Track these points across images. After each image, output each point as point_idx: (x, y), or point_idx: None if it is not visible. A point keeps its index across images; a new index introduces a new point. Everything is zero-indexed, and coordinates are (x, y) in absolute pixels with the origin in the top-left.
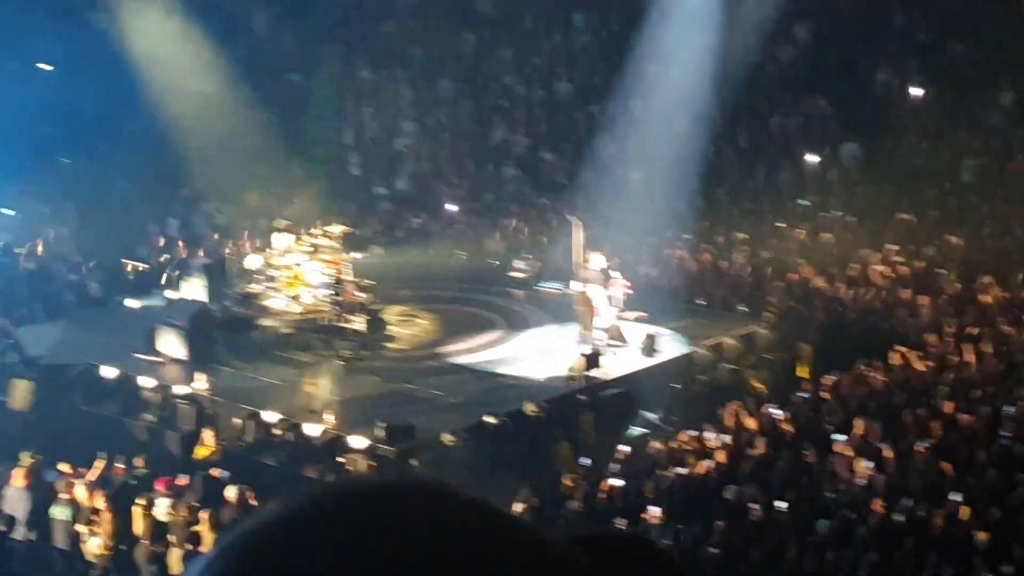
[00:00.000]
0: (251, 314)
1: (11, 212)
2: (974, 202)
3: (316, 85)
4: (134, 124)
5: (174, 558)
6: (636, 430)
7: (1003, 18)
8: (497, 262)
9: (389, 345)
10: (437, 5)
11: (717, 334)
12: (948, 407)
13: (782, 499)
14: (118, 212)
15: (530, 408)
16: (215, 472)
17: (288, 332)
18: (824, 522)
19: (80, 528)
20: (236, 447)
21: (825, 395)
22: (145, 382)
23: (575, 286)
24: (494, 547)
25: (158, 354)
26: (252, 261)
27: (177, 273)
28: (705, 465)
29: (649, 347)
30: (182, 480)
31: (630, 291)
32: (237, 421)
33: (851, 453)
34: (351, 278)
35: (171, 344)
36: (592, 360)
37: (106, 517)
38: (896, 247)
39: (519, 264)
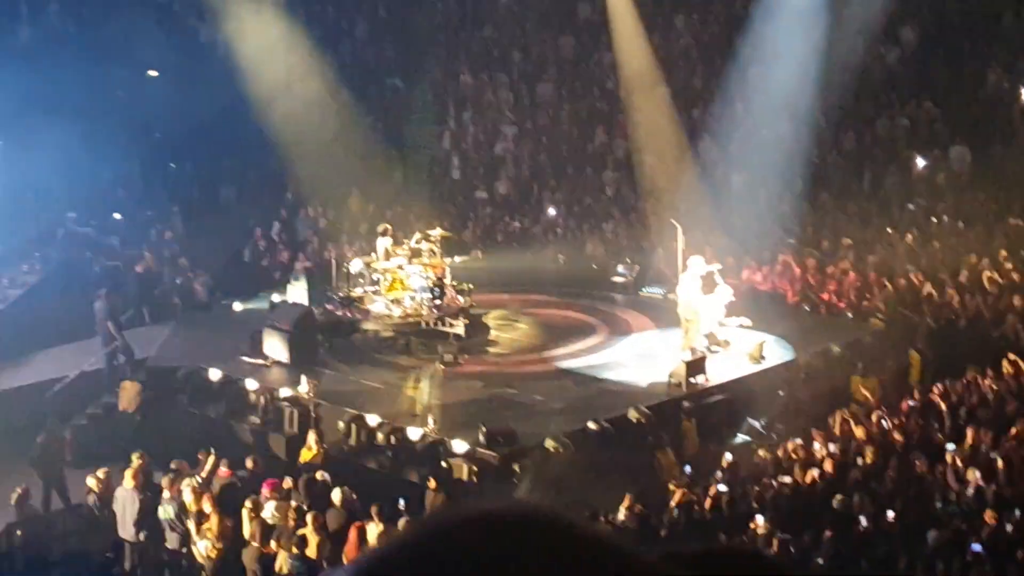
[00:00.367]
0: (353, 317)
1: (119, 216)
2: None
3: (417, 89)
4: (239, 129)
5: (281, 561)
6: (740, 437)
7: None
8: (596, 266)
9: (490, 349)
10: (537, 9)
11: (823, 341)
12: None
13: (891, 509)
14: (223, 216)
15: (633, 414)
16: (320, 475)
17: (389, 336)
18: (934, 533)
19: (190, 528)
20: (339, 450)
21: (935, 403)
22: (250, 384)
23: (677, 291)
24: None
25: (264, 357)
26: (354, 265)
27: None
28: (812, 474)
29: (753, 353)
30: (287, 483)
31: (733, 296)
32: (340, 424)
33: (962, 462)
34: (452, 282)
35: (276, 347)
36: (695, 366)
37: (214, 519)
38: (1007, 252)
39: (620, 269)
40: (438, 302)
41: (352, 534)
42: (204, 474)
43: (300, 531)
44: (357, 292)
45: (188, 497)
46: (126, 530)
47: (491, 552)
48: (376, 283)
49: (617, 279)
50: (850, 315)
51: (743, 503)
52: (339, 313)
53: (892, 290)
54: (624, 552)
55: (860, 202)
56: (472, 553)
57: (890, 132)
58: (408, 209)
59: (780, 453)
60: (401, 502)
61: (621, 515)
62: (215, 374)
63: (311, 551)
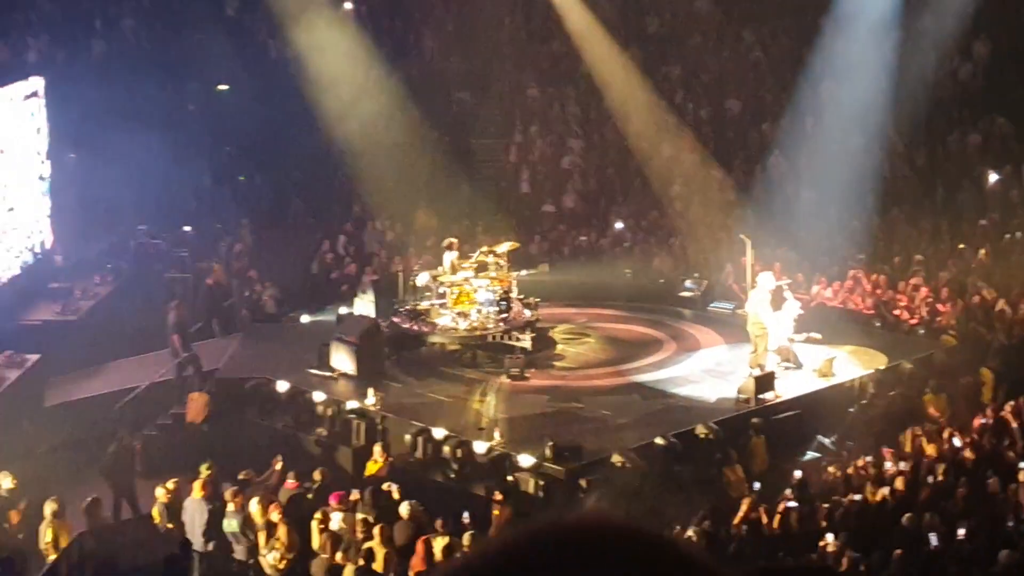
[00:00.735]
0: (420, 330)
1: (189, 229)
2: None
3: (485, 103)
4: (308, 142)
5: (348, 573)
6: (810, 454)
7: None
8: (664, 281)
9: (556, 363)
10: (604, 22)
11: (894, 357)
12: None
13: (962, 528)
14: (291, 229)
15: (701, 430)
16: (386, 487)
17: (456, 349)
18: (1005, 552)
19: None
20: (405, 463)
21: (1007, 421)
22: (318, 396)
23: (747, 307)
24: None
25: (331, 369)
26: (421, 278)
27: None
28: (882, 492)
29: (823, 369)
30: (355, 495)
31: (802, 311)
32: (407, 437)
33: None
34: (518, 295)
35: (343, 359)
36: (764, 382)
37: (282, 530)
38: None
39: (688, 283)
40: (505, 316)
41: (419, 547)
42: (272, 483)
43: (367, 544)
44: (424, 305)
45: (255, 508)
46: (195, 540)
47: (581, 563)
48: (443, 296)
49: (685, 294)
50: (921, 331)
51: (812, 520)
52: (406, 326)
53: (964, 306)
54: (709, 568)
55: (932, 217)
56: (561, 564)
57: (962, 147)
58: (475, 223)
59: (850, 470)
60: (466, 516)
61: (690, 531)
62: (283, 386)
63: (378, 564)
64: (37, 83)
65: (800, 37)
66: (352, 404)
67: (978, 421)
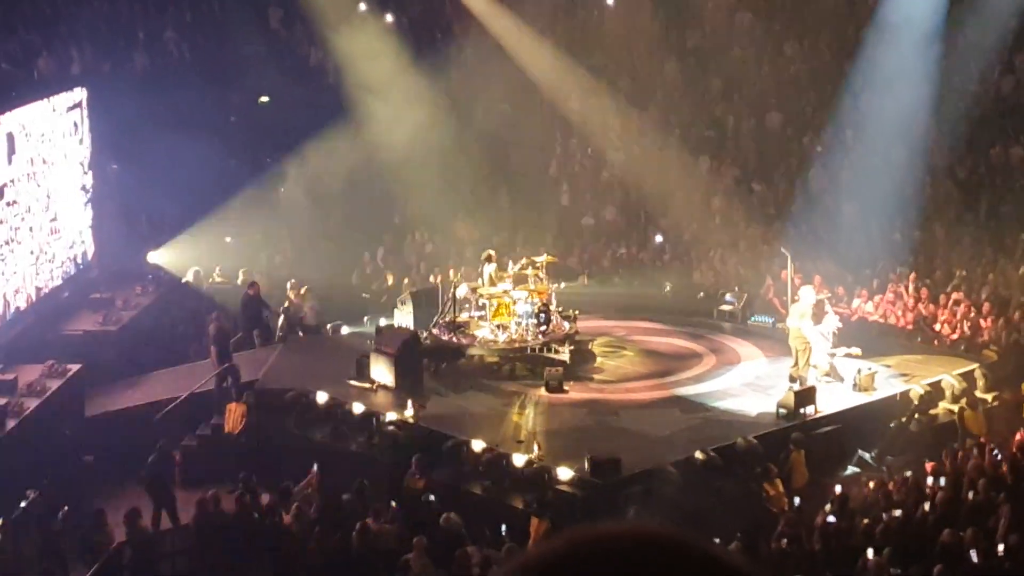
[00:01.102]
0: (458, 342)
1: (229, 239)
2: None
3: (525, 115)
4: (348, 154)
5: None
6: (850, 469)
7: None
8: (704, 294)
9: (595, 376)
10: (645, 35)
11: (935, 371)
12: None
13: (1003, 544)
14: (331, 240)
15: (741, 444)
16: (425, 499)
17: (494, 361)
18: None
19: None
20: (443, 475)
21: None
22: (357, 408)
23: (788, 321)
24: None
25: (370, 381)
26: (460, 290)
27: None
28: (923, 507)
29: (864, 384)
30: (392, 507)
31: (841, 325)
32: (445, 449)
33: None
34: (557, 308)
35: (382, 371)
36: (804, 396)
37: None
38: None
39: (728, 297)
40: (544, 328)
41: (457, 559)
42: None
43: (405, 556)
44: (463, 317)
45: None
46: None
47: (636, 566)
48: (482, 308)
49: (725, 307)
50: (963, 346)
51: (852, 535)
52: (445, 338)
53: (1006, 321)
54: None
55: (974, 231)
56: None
57: (1004, 160)
58: (514, 235)
59: (890, 485)
60: (504, 528)
61: (730, 547)
62: (322, 397)
63: None
64: (80, 94)
65: (841, 50)
66: (391, 416)
67: (1020, 436)
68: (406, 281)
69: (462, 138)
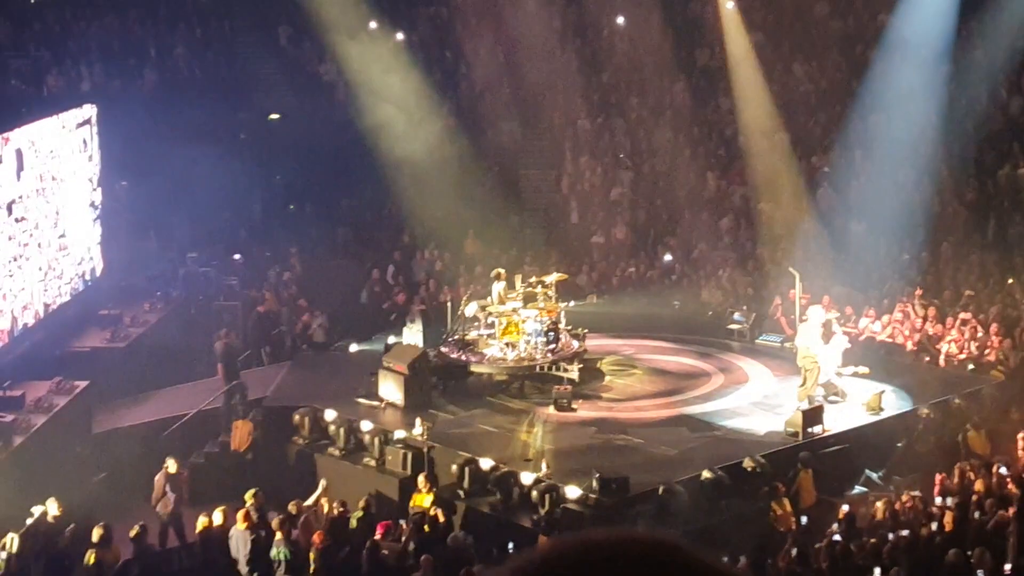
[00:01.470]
0: (467, 360)
1: (238, 257)
2: None
3: (534, 134)
4: (357, 171)
5: None
6: (858, 488)
7: None
8: (712, 313)
9: (604, 395)
10: (655, 54)
11: (943, 392)
12: None
13: (1011, 565)
14: (341, 258)
15: (749, 463)
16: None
17: (503, 379)
18: None
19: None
20: (452, 493)
21: None
22: (365, 426)
23: (796, 340)
24: None
25: (379, 398)
26: (469, 308)
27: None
28: (930, 526)
29: (871, 403)
30: (402, 525)
31: (849, 345)
32: (453, 467)
33: None
34: (566, 326)
35: (390, 389)
36: (812, 416)
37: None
38: None
39: (737, 316)
40: (552, 346)
41: None
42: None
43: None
44: (472, 335)
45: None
46: (241, 569)
47: (624, 571)
48: (491, 326)
49: (733, 326)
50: (971, 366)
51: (860, 555)
52: (454, 356)
53: (1013, 341)
54: None
55: (982, 252)
56: (605, 571)
57: (1013, 181)
58: (523, 253)
59: (898, 505)
60: (511, 547)
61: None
62: (330, 415)
63: None
64: (90, 111)
65: (850, 70)
66: (399, 434)
67: None
68: (416, 299)
69: (472, 156)
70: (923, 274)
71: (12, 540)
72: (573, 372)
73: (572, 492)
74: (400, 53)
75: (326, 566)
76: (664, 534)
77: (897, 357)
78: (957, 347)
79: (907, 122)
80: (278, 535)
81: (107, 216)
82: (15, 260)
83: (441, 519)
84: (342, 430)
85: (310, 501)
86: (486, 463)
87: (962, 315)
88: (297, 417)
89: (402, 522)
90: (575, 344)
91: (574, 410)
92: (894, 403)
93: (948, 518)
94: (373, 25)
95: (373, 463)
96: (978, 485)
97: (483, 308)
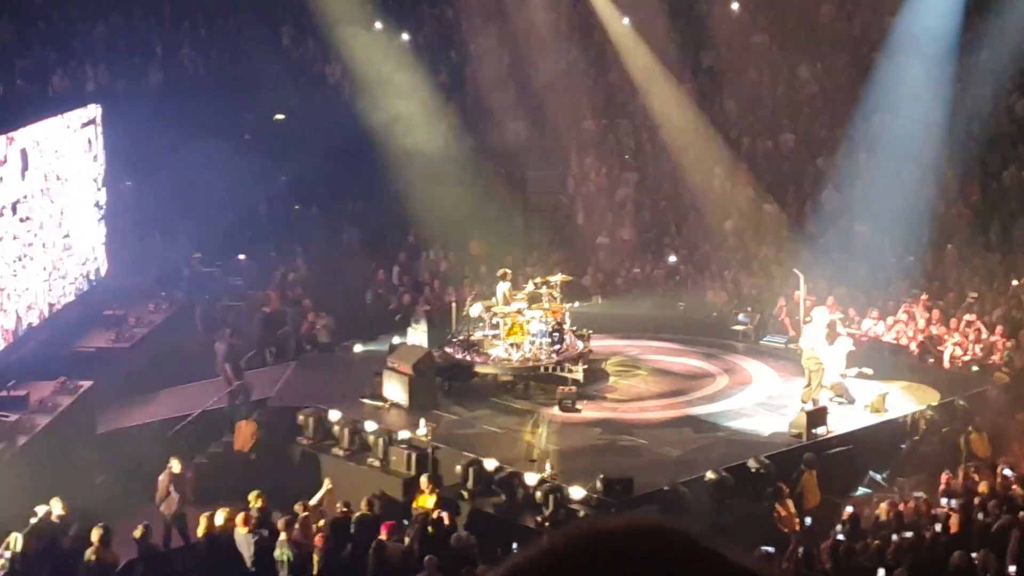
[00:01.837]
0: (472, 361)
1: (243, 257)
2: None
3: (539, 135)
4: (362, 172)
5: None
6: (862, 490)
7: None
8: (717, 314)
9: (608, 396)
10: (661, 56)
11: (947, 393)
12: None
13: (1015, 566)
14: (345, 258)
15: (753, 464)
16: (436, 517)
17: (508, 380)
18: None
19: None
20: (456, 494)
21: None
22: (369, 426)
23: (800, 342)
24: None
25: (384, 399)
26: (473, 309)
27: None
28: (934, 528)
29: (876, 404)
30: (405, 525)
31: (853, 346)
32: (458, 468)
33: None
34: (571, 327)
35: (395, 389)
36: (817, 417)
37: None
38: None
39: (741, 317)
40: (557, 347)
41: None
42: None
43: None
44: (477, 336)
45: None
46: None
47: (631, 560)
48: (496, 327)
49: (738, 327)
50: (975, 368)
51: (864, 556)
52: (458, 356)
53: (1017, 343)
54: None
55: (986, 253)
56: (612, 561)
57: (1017, 183)
58: (528, 253)
59: (902, 506)
60: (515, 548)
61: None
62: (335, 415)
63: None
64: (95, 111)
65: (855, 71)
66: (404, 434)
67: None
68: (421, 299)
69: (477, 157)
70: (927, 276)
71: (16, 540)
72: (578, 373)
73: (576, 493)
74: (405, 53)
75: (330, 566)
76: (677, 524)
77: (901, 359)
78: (961, 349)
79: (912, 123)
80: (282, 536)
81: (112, 216)
82: (19, 260)
83: (447, 521)
84: (346, 431)
85: (314, 501)
86: (490, 464)
87: (966, 317)
88: (301, 417)
89: (406, 522)
90: (580, 345)
91: (578, 411)
92: (898, 404)
93: (953, 520)
94: (379, 25)
95: (377, 464)
96: (982, 487)
97: (488, 309)
